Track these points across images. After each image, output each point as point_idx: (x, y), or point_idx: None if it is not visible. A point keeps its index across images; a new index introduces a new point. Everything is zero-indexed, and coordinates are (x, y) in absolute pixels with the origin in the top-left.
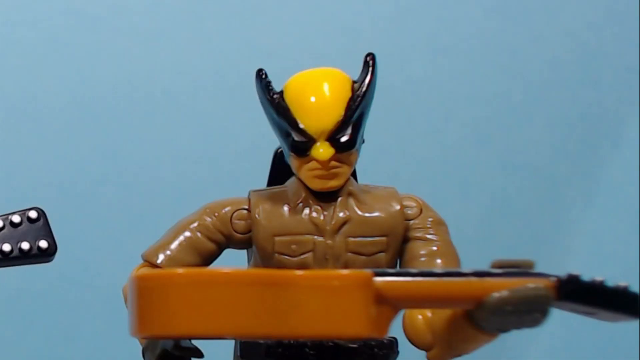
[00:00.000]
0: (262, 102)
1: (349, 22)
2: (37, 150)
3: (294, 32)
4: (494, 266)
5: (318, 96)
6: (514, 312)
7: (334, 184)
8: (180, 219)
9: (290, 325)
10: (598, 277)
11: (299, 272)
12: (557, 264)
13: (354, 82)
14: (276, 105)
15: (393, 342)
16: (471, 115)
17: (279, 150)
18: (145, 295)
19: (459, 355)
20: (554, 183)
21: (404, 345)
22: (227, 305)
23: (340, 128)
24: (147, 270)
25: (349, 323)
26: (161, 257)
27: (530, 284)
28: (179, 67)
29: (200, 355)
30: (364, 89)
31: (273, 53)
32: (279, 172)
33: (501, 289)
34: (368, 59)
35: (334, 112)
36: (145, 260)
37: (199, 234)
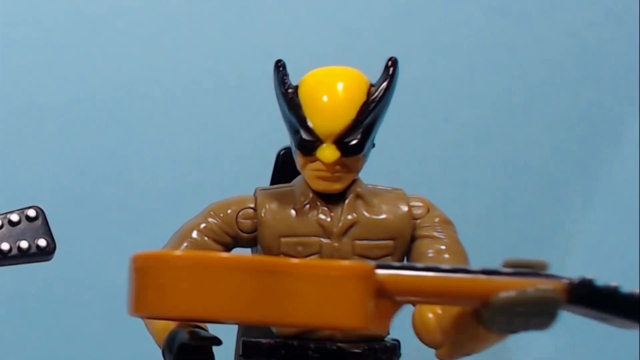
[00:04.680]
0: (276, 94)
1: (349, 22)
2: (36, 149)
3: (294, 32)
4: (506, 265)
5: (330, 96)
6: (522, 313)
7: (336, 187)
8: (185, 222)
9: (285, 312)
10: (613, 283)
11: (297, 261)
12: (557, 264)
13: (372, 85)
14: (289, 100)
15: (396, 345)
16: (471, 115)
17: (282, 152)
18: (142, 274)
19: (468, 355)
20: (554, 183)
21: (405, 347)
22: (223, 289)
23: (349, 132)
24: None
25: (345, 314)
26: None
27: (540, 285)
28: (179, 67)
29: (218, 342)
30: (380, 94)
31: (273, 53)
32: (282, 173)
33: (509, 288)
34: (389, 63)
35: (344, 115)
36: None
37: (205, 238)
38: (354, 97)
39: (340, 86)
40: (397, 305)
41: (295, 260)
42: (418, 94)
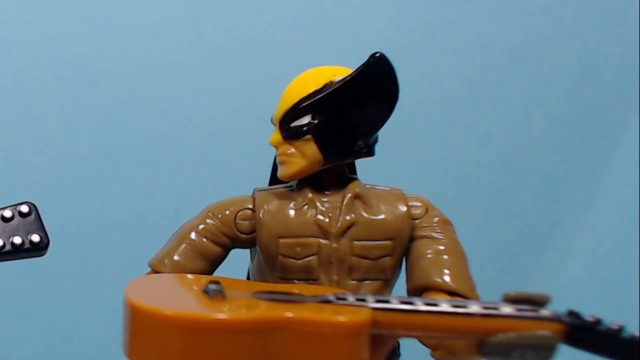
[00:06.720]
0: None
1: (349, 22)
2: (32, 146)
3: (294, 32)
4: (506, 299)
5: (287, 87)
6: (519, 354)
7: (284, 171)
8: (184, 223)
9: None
10: (616, 324)
11: (290, 315)
12: (557, 264)
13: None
14: None
15: (395, 347)
16: (471, 115)
17: None
18: (137, 325)
19: None
20: (554, 183)
21: (405, 347)
22: (217, 350)
23: (287, 115)
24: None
25: None
26: (168, 265)
27: (540, 331)
28: (179, 67)
29: None
30: (339, 83)
31: (273, 53)
32: None
33: (508, 330)
34: (370, 57)
35: (288, 101)
36: (152, 269)
37: (204, 239)
38: (306, 85)
39: (301, 78)
40: (394, 341)
41: (289, 315)
42: (418, 94)
